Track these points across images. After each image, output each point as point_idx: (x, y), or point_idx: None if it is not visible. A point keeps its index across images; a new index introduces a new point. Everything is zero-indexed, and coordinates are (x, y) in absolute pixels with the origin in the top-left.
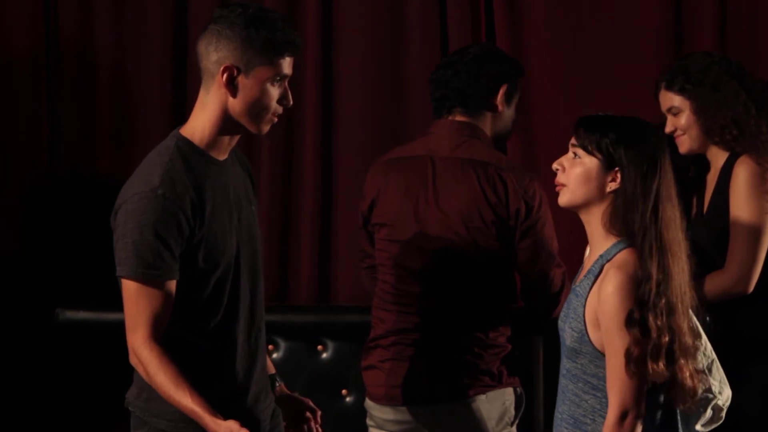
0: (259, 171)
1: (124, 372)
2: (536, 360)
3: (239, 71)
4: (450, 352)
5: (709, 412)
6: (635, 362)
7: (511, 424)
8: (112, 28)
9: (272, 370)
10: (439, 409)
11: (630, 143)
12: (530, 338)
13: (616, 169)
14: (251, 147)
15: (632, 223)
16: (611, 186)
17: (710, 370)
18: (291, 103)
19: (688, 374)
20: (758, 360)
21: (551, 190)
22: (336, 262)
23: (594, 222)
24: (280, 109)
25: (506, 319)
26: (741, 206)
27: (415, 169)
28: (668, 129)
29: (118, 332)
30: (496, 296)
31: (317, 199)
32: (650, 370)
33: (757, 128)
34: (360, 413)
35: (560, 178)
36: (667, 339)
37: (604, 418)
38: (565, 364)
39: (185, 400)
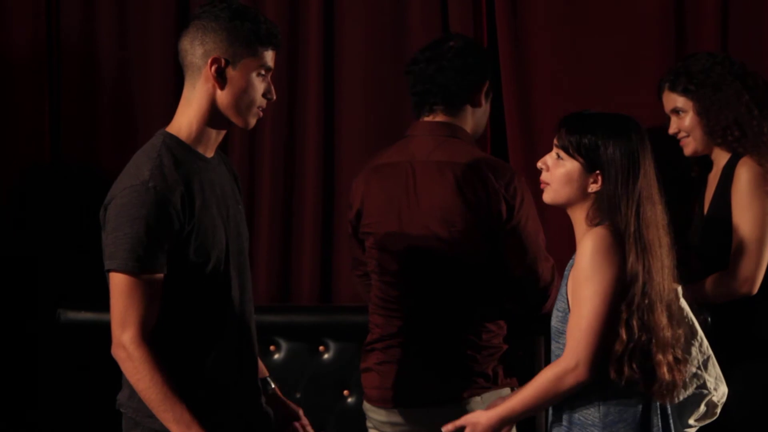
0: (261, 171)
1: None
2: (538, 360)
3: (227, 63)
4: (443, 356)
5: (702, 408)
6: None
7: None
8: (115, 25)
9: (265, 373)
10: (434, 411)
11: (610, 145)
12: (532, 338)
13: (597, 171)
14: (252, 147)
15: (616, 220)
16: (593, 187)
17: (706, 367)
18: (275, 97)
19: (665, 368)
20: (759, 359)
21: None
22: (337, 263)
23: (578, 218)
24: (264, 103)
25: (500, 321)
26: (743, 207)
27: (396, 176)
28: (672, 130)
29: None
30: (486, 298)
31: (318, 200)
32: (626, 372)
33: (759, 129)
34: (362, 414)
35: (544, 176)
36: (644, 338)
37: (582, 397)
38: (552, 346)
39: (167, 414)
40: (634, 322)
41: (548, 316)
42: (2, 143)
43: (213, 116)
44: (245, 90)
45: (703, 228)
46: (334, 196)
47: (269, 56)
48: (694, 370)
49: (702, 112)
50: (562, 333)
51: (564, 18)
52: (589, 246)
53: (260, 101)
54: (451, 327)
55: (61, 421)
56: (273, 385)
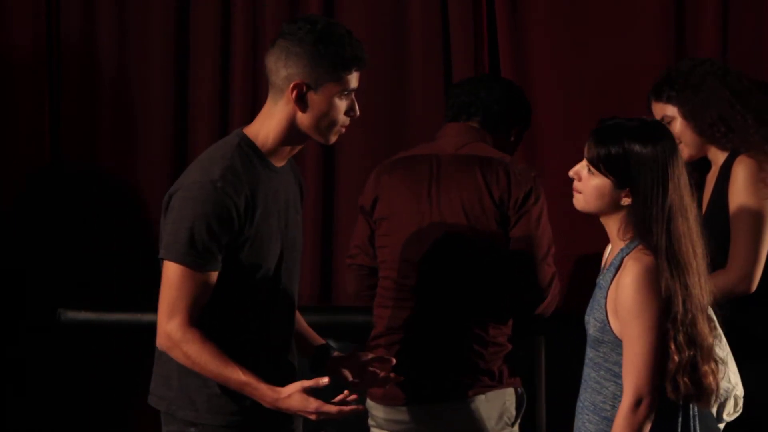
0: None
1: (126, 372)
2: (538, 360)
3: (309, 87)
4: (449, 350)
5: (732, 401)
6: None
7: (512, 425)
8: (115, 25)
9: (320, 340)
10: (439, 408)
11: (639, 161)
12: (532, 338)
13: (628, 189)
14: None
15: (647, 239)
16: (625, 201)
17: (726, 361)
18: (358, 113)
19: (711, 378)
20: (760, 360)
21: (553, 191)
22: (337, 263)
23: (611, 225)
24: (347, 121)
25: (506, 318)
26: (741, 205)
27: (418, 166)
28: None
29: (119, 332)
30: (495, 292)
31: (319, 200)
32: (682, 388)
33: (744, 122)
34: (362, 414)
35: (577, 185)
36: (693, 352)
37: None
38: (589, 353)
39: (236, 374)
40: (681, 338)
41: (542, 317)
42: (2, 143)
43: (291, 133)
44: (326, 113)
45: (703, 227)
46: (334, 196)
47: (353, 78)
48: None
49: (688, 115)
50: (602, 342)
51: (564, 18)
52: (632, 280)
53: (342, 120)
54: (461, 317)
55: (61, 420)
56: (334, 351)
